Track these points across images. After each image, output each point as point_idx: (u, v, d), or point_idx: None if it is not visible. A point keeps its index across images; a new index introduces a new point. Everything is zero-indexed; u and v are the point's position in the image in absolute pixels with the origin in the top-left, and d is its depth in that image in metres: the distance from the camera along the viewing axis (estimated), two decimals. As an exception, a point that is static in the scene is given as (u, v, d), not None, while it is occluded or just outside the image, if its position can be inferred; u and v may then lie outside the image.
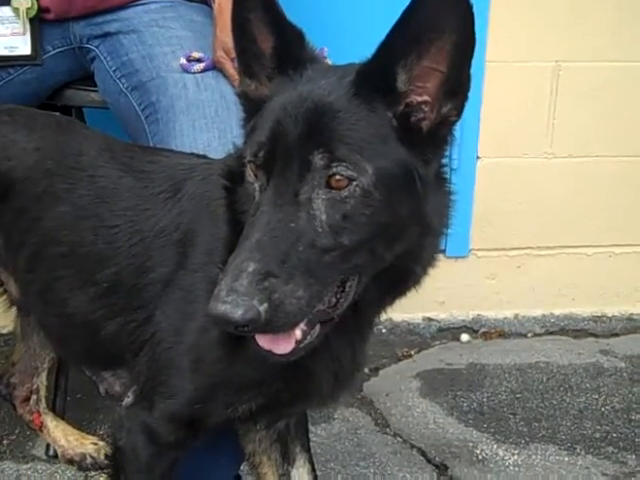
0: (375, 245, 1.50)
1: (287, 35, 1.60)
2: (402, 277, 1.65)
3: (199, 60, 2.40)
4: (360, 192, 1.44)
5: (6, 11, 2.50)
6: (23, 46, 2.52)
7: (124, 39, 2.51)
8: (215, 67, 2.41)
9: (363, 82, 1.50)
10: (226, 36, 2.25)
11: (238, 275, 1.37)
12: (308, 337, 1.50)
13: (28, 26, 2.50)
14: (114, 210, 1.95)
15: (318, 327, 1.52)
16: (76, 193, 2.01)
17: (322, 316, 1.51)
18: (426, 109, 1.50)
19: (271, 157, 1.48)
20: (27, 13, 2.49)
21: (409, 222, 1.53)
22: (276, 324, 1.39)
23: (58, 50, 2.60)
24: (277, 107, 1.52)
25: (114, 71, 2.51)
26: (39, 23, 2.54)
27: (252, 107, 1.63)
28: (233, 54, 2.11)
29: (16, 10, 2.49)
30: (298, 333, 1.48)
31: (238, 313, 1.34)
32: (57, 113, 2.58)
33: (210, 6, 2.55)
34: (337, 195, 1.44)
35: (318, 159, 1.44)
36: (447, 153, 1.62)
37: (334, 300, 1.51)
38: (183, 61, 2.40)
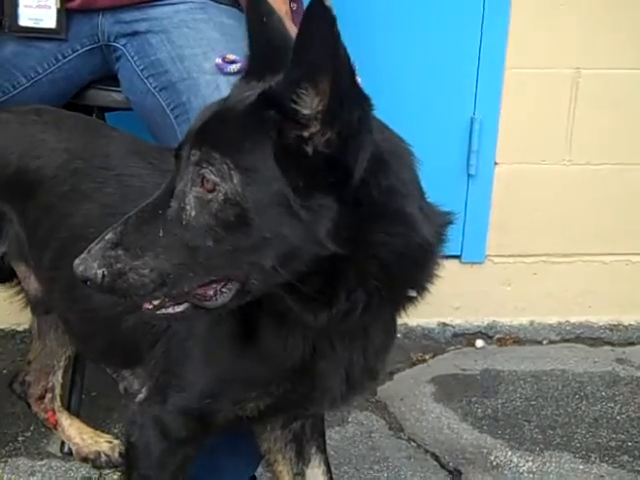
0: (258, 258, 1.50)
1: (266, 44, 1.66)
2: (327, 297, 1.59)
3: (233, 62, 2.40)
4: (223, 198, 1.48)
5: None
6: (48, 19, 2.51)
7: (152, 39, 2.51)
8: None
9: (265, 98, 1.51)
10: None
11: (99, 240, 1.53)
12: (169, 309, 1.58)
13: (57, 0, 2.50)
14: None
15: (186, 306, 1.58)
16: (103, 192, 2.05)
17: (194, 301, 1.57)
18: (309, 134, 1.48)
19: (178, 150, 1.59)
20: None
21: (303, 244, 1.50)
22: (118, 290, 1.52)
23: (86, 48, 2.60)
24: (205, 107, 1.64)
25: (141, 70, 2.50)
26: (66, 12, 2.53)
27: None
28: None
29: None
30: (154, 302, 1.57)
31: (79, 270, 1.51)
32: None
33: (240, 9, 2.55)
34: (205, 195, 1.49)
35: (194, 158, 1.51)
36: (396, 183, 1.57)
37: (211, 294, 1.56)
38: (219, 61, 2.39)
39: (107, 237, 1.52)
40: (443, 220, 1.68)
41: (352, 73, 1.44)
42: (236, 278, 1.55)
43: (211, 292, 1.56)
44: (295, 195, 1.48)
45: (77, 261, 1.52)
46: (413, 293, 1.67)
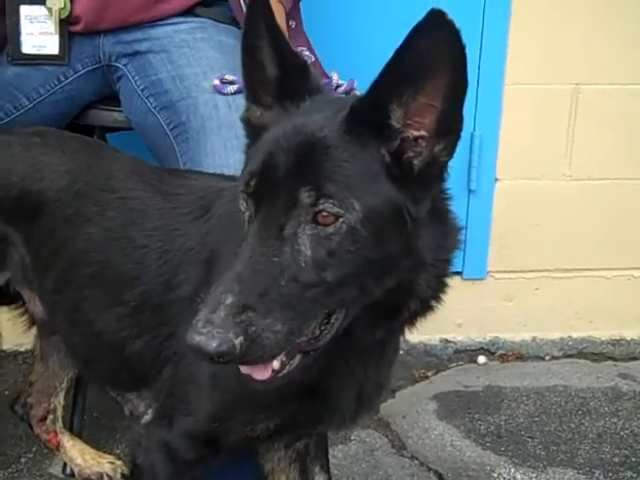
0: (363, 281, 1.49)
1: (289, 65, 1.61)
2: (396, 309, 1.61)
3: (232, 82, 2.41)
4: (346, 229, 1.43)
5: (36, 10, 2.52)
6: (51, 46, 2.53)
7: (153, 59, 2.53)
8: None
9: (356, 118, 1.49)
10: None
11: (216, 307, 1.38)
12: (287, 367, 1.50)
13: (58, 27, 2.51)
14: (143, 231, 1.97)
15: (298, 357, 1.52)
16: (106, 215, 2.04)
17: (303, 347, 1.51)
18: (421, 145, 1.49)
19: (260, 189, 1.49)
20: (60, 13, 2.50)
21: (399, 258, 1.51)
22: (252, 357, 1.40)
23: (88, 69, 2.62)
24: (270, 138, 1.53)
25: (142, 90, 2.52)
26: (68, 36, 2.55)
27: (254, 133, 1.63)
28: None
29: (49, 10, 2.50)
30: (276, 363, 1.48)
31: (212, 345, 1.35)
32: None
33: (239, 28, 2.56)
34: (323, 231, 1.43)
35: (305, 196, 1.43)
36: (447, 186, 1.61)
37: (317, 332, 1.51)
38: (217, 82, 2.40)
39: (228, 302, 1.38)
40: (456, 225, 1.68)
41: None
42: (343, 305, 1.51)
43: (317, 331, 1.51)
44: (407, 211, 1.49)
45: (201, 338, 1.36)
46: (434, 302, 1.66)
